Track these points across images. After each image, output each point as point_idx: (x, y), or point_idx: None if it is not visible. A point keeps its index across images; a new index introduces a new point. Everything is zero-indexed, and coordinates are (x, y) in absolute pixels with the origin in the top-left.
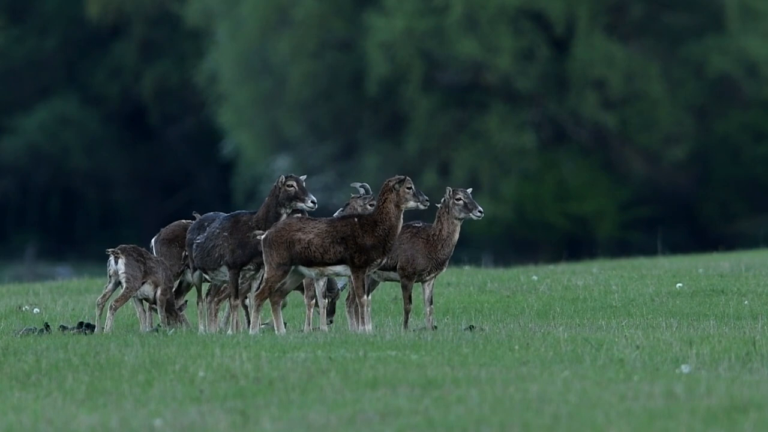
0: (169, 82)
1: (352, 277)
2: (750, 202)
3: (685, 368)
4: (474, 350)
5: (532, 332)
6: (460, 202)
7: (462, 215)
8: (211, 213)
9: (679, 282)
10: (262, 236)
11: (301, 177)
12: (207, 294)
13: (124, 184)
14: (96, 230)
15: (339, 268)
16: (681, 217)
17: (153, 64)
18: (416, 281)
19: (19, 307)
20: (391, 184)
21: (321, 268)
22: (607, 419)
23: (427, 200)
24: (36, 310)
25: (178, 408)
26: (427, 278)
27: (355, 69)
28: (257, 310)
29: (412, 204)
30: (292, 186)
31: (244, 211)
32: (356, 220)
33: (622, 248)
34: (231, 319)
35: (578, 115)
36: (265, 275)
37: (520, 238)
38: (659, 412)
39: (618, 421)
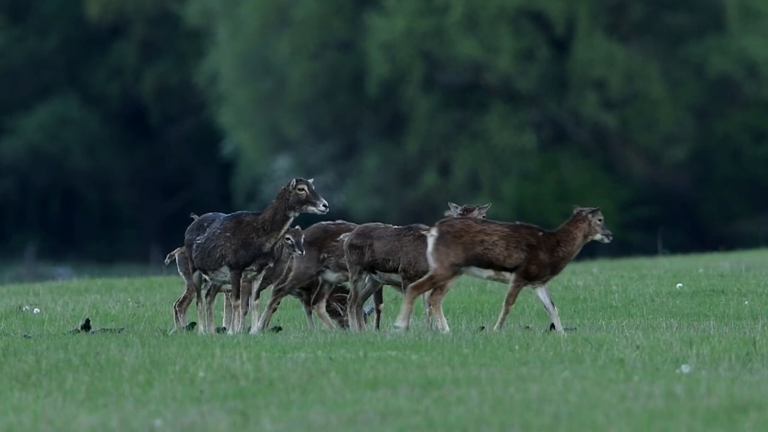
0: (169, 82)
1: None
2: (750, 202)
3: (685, 368)
4: (474, 350)
5: (532, 332)
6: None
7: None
8: (211, 213)
9: (679, 282)
10: (434, 234)
11: (309, 180)
12: (206, 294)
13: (125, 184)
14: (96, 231)
15: (506, 275)
16: (681, 217)
17: (153, 64)
18: None
19: (19, 307)
20: (583, 214)
21: (496, 273)
22: (607, 419)
23: (610, 234)
24: (36, 310)
25: (179, 408)
26: None
27: (355, 69)
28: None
29: (598, 237)
30: (303, 190)
31: (245, 211)
32: (540, 233)
33: (622, 248)
34: (232, 318)
35: (578, 115)
36: (432, 272)
37: None
38: (659, 413)
39: (618, 421)
